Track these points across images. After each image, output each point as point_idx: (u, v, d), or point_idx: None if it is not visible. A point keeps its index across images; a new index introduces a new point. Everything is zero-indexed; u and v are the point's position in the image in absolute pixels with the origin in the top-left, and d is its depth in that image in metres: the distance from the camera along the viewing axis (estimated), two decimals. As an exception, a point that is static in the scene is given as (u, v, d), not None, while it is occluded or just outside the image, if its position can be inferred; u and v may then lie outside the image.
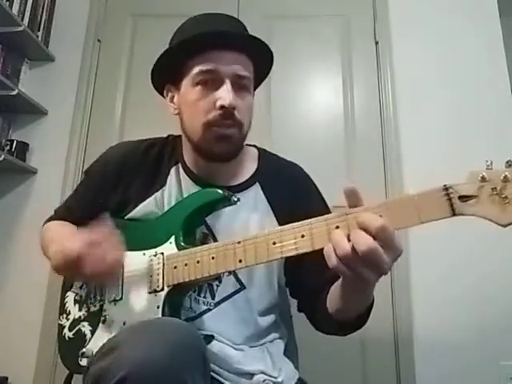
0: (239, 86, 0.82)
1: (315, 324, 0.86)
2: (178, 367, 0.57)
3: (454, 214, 0.54)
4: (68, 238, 0.76)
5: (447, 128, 1.73)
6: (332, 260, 0.56)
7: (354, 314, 0.70)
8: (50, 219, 1.01)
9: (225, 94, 0.78)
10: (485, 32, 1.83)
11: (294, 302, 1.02)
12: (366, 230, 0.54)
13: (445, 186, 0.55)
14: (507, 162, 0.53)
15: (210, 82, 0.80)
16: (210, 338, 0.77)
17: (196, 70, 0.80)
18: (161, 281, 0.77)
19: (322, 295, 0.77)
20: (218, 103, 0.78)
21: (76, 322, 0.87)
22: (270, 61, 0.90)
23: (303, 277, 0.85)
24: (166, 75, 0.87)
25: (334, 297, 0.73)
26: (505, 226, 0.52)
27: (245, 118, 0.83)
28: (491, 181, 0.53)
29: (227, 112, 0.79)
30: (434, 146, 1.71)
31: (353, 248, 0.54)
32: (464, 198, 0.54)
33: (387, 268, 0.54)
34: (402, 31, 1.86)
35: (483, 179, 0.53)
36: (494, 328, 1.53)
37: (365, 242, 0.53)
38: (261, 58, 0.87)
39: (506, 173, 0.51)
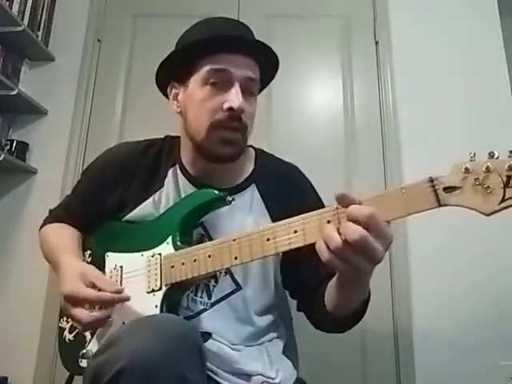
0: (247, 89, 0.82)
1: (314, 322, 0.87)
2: (175, 359, 0.58)
3: (440, 205, 0.56)
4: (70, 271, 0.79)
5: (447, 128, 1.73)
6: (325, 254, 0.57)
7: (351, 309, 0.71)
8: (47, 221, 1.02)
9: (234, 97, 0.79)
10: (485, 32, 1.83)
11: (293, 304, 1.02)
12: (355, 220, 0.56)
13: (430, 178, 0.57)
14: (489, 154, 0.54)
15: (220, 83, 0.81)
16: (207, 336, 0.77)
17: (207, 68, 0.81)
18: (159, 280, 0.78)
19: (320, 293, 0.78)
20: (227, 105, 0.79)
21: None
22: (274, 70, 0.92)
23: (300, 276, 0.86)
24: (174, 72, 0.87)
25: (331, 293, 0.73)
26: (488, 215, 0.54)
27: (249, 122, 0.84)
28: (474, 171, 0.55)
29: (235, 114, 0.80)
30: (434, 146, 1.71)
31: (344, 239, 0.55)
32: (449, 189, 0.56)
33: (380, 255, 0.56)
34: (402, 31, 1.86)
35: (466, 170, 0.55)
36: (494, 328, 1.53)
37: (355, 231, 0.54)
38: (267, 66, 0.88)
39: (488, 163, 0.53)
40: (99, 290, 0.74)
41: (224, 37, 0.82)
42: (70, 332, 0.89)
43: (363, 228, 0.54)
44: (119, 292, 0.75)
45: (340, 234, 0.56)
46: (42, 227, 1.01)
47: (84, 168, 1.05)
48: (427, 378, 1.53)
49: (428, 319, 1.57)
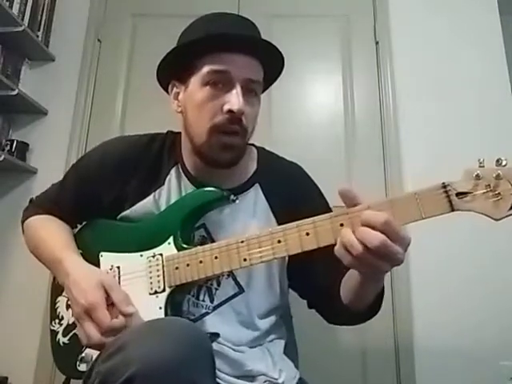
0: (249, 91, 0.79)
1: (327, 317, 0.86)
2: (188, 365, 0.57)
3: (453, 210, 0.58)
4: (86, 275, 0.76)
5: (447, 128, 1.73)
6: (346, 259, 0.58)
7: (368, 302, 0.71)
8: (31, 212, 0.96)
9: (234, 99, 0.76)
10: (485, 32, 1.83)
11: (294, 303, 1.02)
12: (371, 227, 0.56)
13: (443, 183, 0.59)
14: (497, 161, 0.57)
15: (220, 84, 0.77)
16: (214, 337, 0.76)
17: (207, 68, 0.78)
18: (162, 282, 0.76)
19: (335, 290, 0.77)
20: (227, 107, 0.76)
21: (70, 327, 0.86)
22: (280, 68, 0.88)
23: (313, 277, 0.84)
24: (174, 71, 0.84)
25: (346, 289, 0.73)
26: (498, 219, 0.57)
27: (250, 124, 0.81)
28: (485, 178, 0.57)
29: (234, 117, 0.77)
30: (434, 146, 1.71)
31: (364, 246, 0.55)
32: (461, 195, 0.58)
33: (401, 257, 0.57)
34: (402, 31, 1.86)
35: (478, 177, 0.57)
36: (494, 328, 1.53)
37: (374, 237, 0.55)
38: (272, 64, 0.85)
39: (499, 171, 0.55)
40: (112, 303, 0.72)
41: (224, 35, 0.78)
42: (64, 335, 0.86)
43: (380, 233, 0.55)
44: (129, 315, 0.71)
45: (358, 240, 0.56)
46: (24, 219, 0.96)
47: (77, 160, 0.99)
48: (427, 377, 1.53)
49: (428, 320, 1.57)
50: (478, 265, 1.59)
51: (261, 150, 0.95)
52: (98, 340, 0.69)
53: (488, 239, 1.56)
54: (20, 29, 1.69)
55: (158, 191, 0.87)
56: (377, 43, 1.87)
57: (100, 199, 0.88)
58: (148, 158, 0.88)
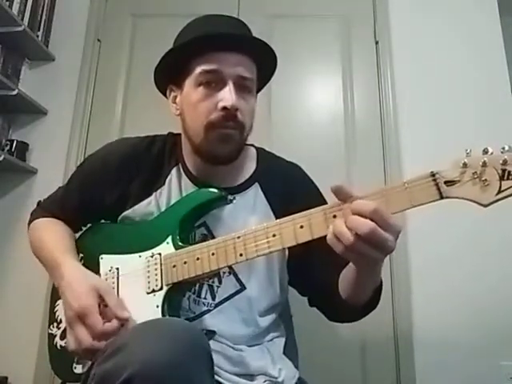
0: (242, 87, 0.81)
1: (329, 315, 0.87)
2: (185, 366, 0.57)
3: (442, 197, 0.60)
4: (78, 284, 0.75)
5: (447, 128, 1.73)
6: (338, 248, 0.59)
7: (366, 296, 0.72)
8: (37, 214, 0.97)
9: (227, 95, 0.78)
10: (485, 31, 1.83)
11: (293, 302, 1.02)
12: (361, 215, 0.57)
13: (432, 172, 0.61)
14: (484, 150, 0.58)
15: (213, 83, 0.80)
16: (211, 334, 0.77)
17: (199, 70, 0.80)
18: (159, 280, 0.77)
19: (334, 285, 0.78)
20: (221, 104, 0.78)
21: None
22: (273, 63, 0.89)
23: (312, 272, 0.85)
24: (169, 75, 0.87)
25: (345, 283, 0.74)
26: (486, 205, 0.58)
27: (246, 119, 0.83)
28: (471, 166, 0.59)
29: (229, 113, 0.78)
30: (433, 146, 1.70)
31: (355, 234, 0.56)
32: (449, 183, 0.60)
33: (391, 245, 0.58)
34: (402, 31, 1.86)
35: (465, 165, 0.59)
36: (494, 328, 1.52)
37: (364, 224, 0.56)
38: (264, 61, 0.86)
39: (485, 158, 0.57)
40: (106, 305, 0.73)
41: (212, 35, 0.80)
42: (62, 338, 0.86)
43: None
44: (125, 320, 0.72)
45: (349, 229, 0.57)
46: (31, 220, 0.98)
47: (81, 161, 1.01)
48: (428, 379, 1.52)
49: (428, 320, 1.57)
50: (480, 259, 1.58)
51: (260, 151, 0.96)
52: (89, 344, 0.69)
53: (491, 231, 1.55)
54: (20, 29, 1.69)
55: (158, 191, 0.88)
56: (377, 43, 1.87)
57: (103, 199, 0.90)
58: (149, 158, 0.90)
